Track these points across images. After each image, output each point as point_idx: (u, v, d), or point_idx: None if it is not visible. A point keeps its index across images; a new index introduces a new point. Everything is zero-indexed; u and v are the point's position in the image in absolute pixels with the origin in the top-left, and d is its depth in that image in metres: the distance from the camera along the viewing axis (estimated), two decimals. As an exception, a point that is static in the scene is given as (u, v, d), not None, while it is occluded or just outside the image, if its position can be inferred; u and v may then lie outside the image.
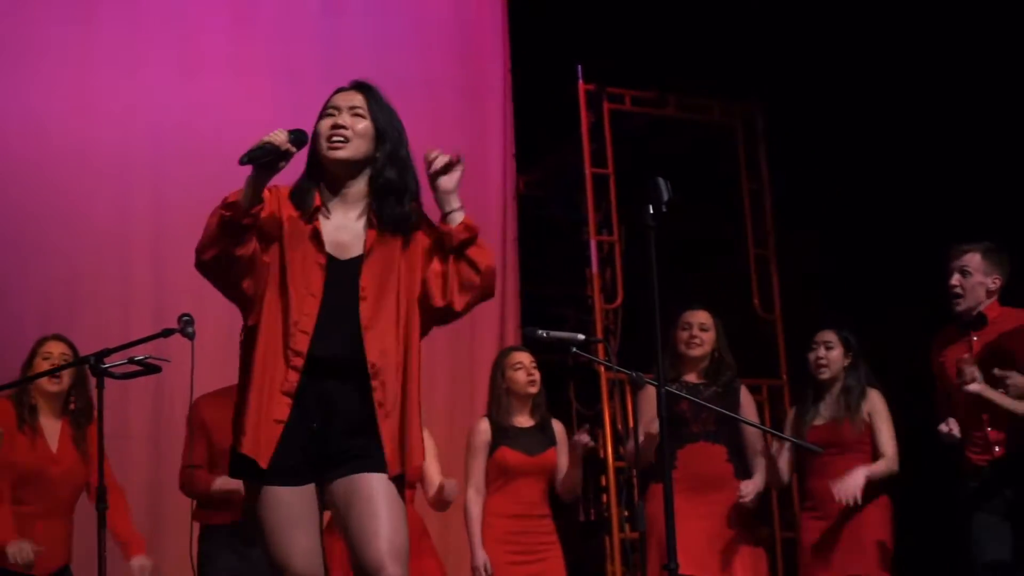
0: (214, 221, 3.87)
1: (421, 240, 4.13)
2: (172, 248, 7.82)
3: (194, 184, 7.85)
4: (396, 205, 4.07)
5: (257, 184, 3.87)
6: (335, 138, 4.03)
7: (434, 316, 4.12)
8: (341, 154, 4.03)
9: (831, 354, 6.56)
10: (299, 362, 3.95)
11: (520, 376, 6.57)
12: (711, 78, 9.31)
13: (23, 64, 7.67)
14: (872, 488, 6.33)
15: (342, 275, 4.01)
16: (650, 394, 6.30)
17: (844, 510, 6.29)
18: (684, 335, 6.59)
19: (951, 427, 6.02)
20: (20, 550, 5.80)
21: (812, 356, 6.61)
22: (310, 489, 4.01)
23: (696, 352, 6.58)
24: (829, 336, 6.59)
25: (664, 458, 4.46)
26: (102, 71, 7.84)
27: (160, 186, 7.90)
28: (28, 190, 7.56)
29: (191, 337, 5.29)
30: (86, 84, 7.80)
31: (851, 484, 6.21)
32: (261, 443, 3.93)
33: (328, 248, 4.02)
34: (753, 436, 6.55)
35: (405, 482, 4.07)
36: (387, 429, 3.98)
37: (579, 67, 9.25)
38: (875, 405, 6.49)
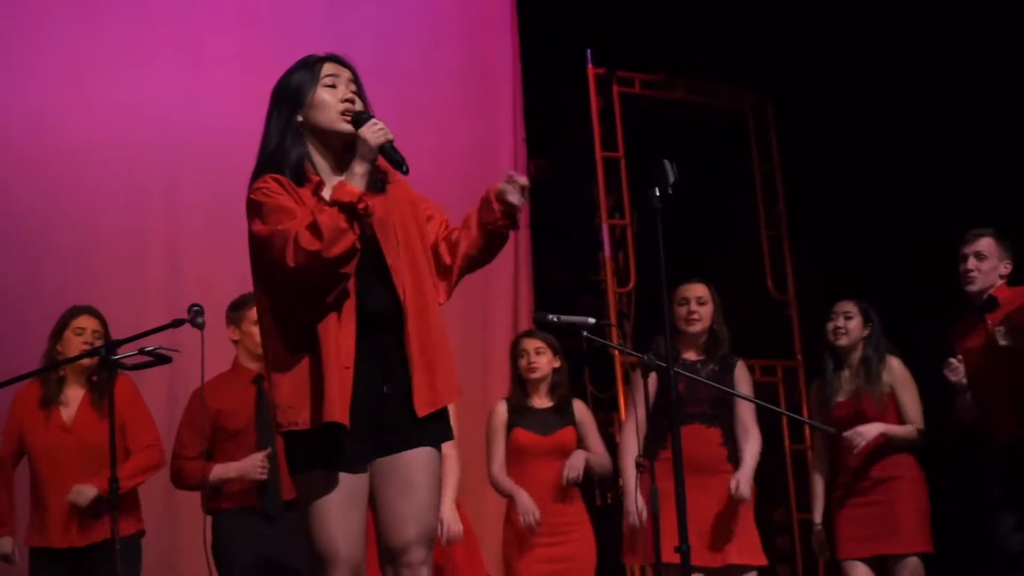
0: (334, 219, 3.82)
1: (398, 192, 4.19)
2: (184, 239, 7.84)
3: (204, 176, 7.87)
4: (378, 169, 4.11)
5: (367, 177, 3.96)
6: (349, 112, 4.06)
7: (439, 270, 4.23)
8: (352, 128, 4.06)
9: (850, 323, 6.55)
10: (352, 328, 3.96)
11: (522, 363, 6.60)
12: (721, 60, 9.30)
13: (29, 61, 7.67)
14: (902, 459, 6.41)
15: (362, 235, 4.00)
16: (635, 378, 6.28)
17: (876, 487, 6.36)
18: (682, 311, 6.44)
19: (956, 370, 6.10)
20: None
21: (831, 326, 6.59)
22: (367, 474, 4.02)
23: (695, 328, 6.43)
24: (848, 306, 6.59)
25: (675, 440, 4.45)
26: (109, 67, 7.83)
27: (170, 178, 7.90)
28: (38, 186, 7.56)
29: (201, 327, 5.33)
30: (92, 80, 7.79)
31: (863, 432, 6.28)
32: (337, 407, 3.90)
33: None
34: (745, 415, 6.40)
35: (446, 419, 4.14)
36: (419, 372, 4.04)
37: (588, 51, 9.24)
38: (896, 374, 6.49)
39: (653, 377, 6.27)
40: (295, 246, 3.82)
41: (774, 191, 9.78)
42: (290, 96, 4.11)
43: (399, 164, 3.98)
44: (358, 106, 4.09)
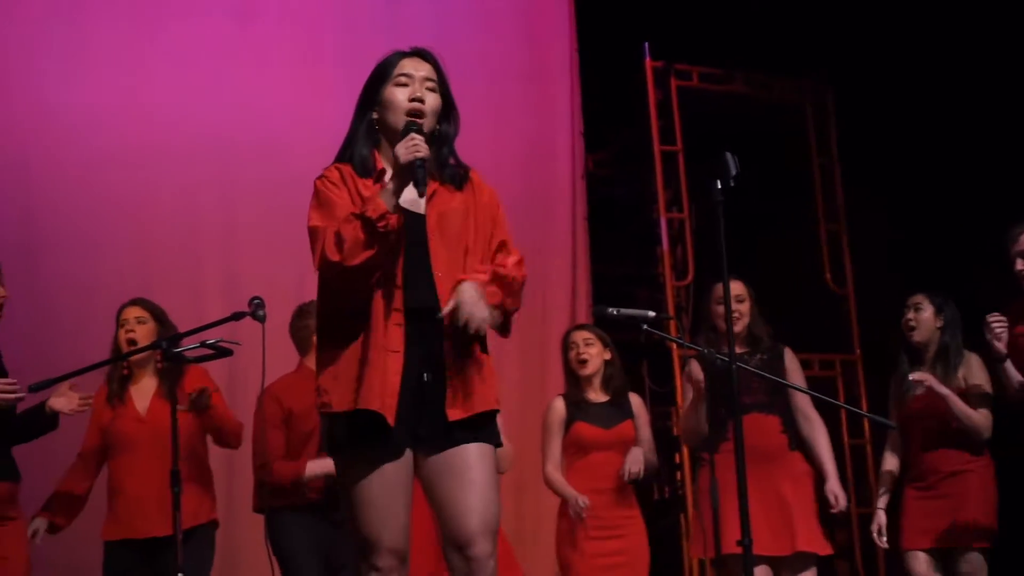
0: (356, 231, 3.83)
1: (484, 199, 4.18)
2: (241, 234, 7.88)
3: (261, 171, 7.90)
4: (452, 167, 4.15)
5: (400, 193, 3.92)
6: (414, 112, 4.07)
7: None
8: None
9: (920, 316, 6.49)
10: (400, 318, 3.97)
11: (572, 355, 6.60)
12: (780, 52, 9.26)
13: (83, 66, 7.72)
14: (975, 453, 6.34)
15: (417, 227, 4.03)
16: (694, 371, 6.30)
17: (946, 479, 6.29)
18: (721, 309, 6.44)
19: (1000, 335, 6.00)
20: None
21: (903, 320, 6.54)
22: (408, 459, 4.01)
23: (736, 327, 6.43)
24: (919, 299, 6.53)
25: (730, 432, 4.44)
26: (165, 63, 7.89)
27: (228, 174, 7.94)
28: (97, 187, 7.61)
29: (262, 320, 5.32)
30: (150, 77, 7.84)
31: (930, 377, 6.25)
32: (386, 398, 3.93)
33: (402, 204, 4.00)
34: (803, 403, 6.44)
35: (492, 425, 4.11)
36: (454, 379, 4.03)
37: (646, 45, 9.23)
38: (973, 369, 6.41)
39: (697, 369, 6.29)
40: (321, 252, 3.90)
41: (833, 184, 9.74)
42: (368, 93, 4.16)
43: (417, 184, 3.90)
44: (429, 104, 4.08)
